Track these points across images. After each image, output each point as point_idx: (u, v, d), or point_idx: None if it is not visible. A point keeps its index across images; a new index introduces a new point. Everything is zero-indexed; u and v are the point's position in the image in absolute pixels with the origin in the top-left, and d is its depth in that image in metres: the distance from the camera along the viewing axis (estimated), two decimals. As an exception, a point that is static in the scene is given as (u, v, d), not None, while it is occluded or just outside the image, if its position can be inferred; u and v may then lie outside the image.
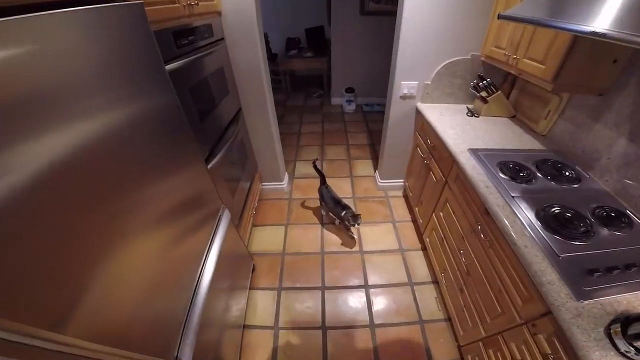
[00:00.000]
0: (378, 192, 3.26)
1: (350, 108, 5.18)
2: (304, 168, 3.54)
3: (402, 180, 3.14)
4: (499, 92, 2.32)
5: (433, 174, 2.31)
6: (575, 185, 1.61)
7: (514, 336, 1.37)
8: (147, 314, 0.98)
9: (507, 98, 2.42)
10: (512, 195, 1.51)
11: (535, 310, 1.21)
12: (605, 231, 1.32)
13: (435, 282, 2.42)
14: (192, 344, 1.16)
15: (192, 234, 1.35)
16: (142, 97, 1.02)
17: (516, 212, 1.42)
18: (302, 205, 3.12)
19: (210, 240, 1.55)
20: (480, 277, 1.65)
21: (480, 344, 1.68)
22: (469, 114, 2.43)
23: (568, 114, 1.91)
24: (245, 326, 2.09)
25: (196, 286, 1.35)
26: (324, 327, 2.13)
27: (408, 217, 2.97)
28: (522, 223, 1.37)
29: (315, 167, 2.76)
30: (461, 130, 2.17)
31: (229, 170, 2.09)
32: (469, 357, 1.83)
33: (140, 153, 0.99)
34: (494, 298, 1.54)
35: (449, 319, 2.21)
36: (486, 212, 1.55)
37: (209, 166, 1.69)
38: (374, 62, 5.02)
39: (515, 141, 2.04)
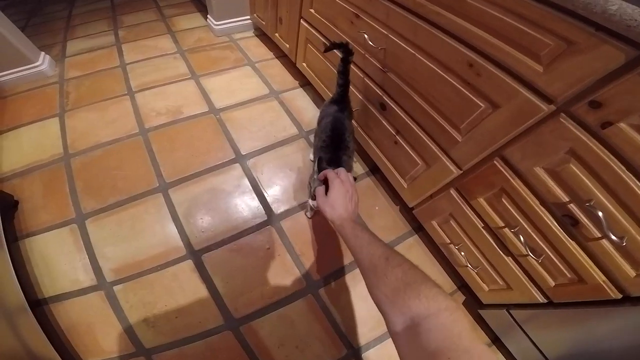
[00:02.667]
0: (218, 39, 2.26)
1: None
2: (82, 43, 2.23)
3: (248, 17, 2.30)
4: None
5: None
6: None
7: (540, 147, 0.67)
8: None
9: None
10: None
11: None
12: None
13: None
14: None
15: None
16: None
17: None
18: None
19: None
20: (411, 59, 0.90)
21: (454, 192, 0.95)
22: None
23: None
24: (45, 301, 1.14)
25: None
26: (192, 253, 1.24)
27: (270, 55, 2.12)
28: None
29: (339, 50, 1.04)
30: None
31: None
32: (435, 224, 1.12)
33: None
34: (457, 85, 0.79)
35: (375, 170, 1.48)
36: None
37: None
38: None
39: None
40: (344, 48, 0.97)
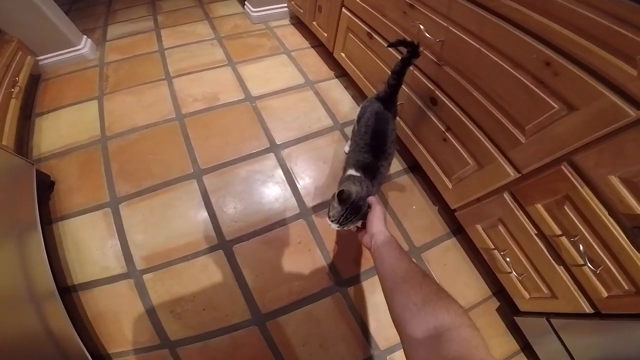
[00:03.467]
0: (255, 27, 2.23)
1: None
2: (122, 28, 2.26)
3: (284, 5, 2.27)
4: None
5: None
6: None
7: (619, 155, 0.62)
8: None
9: None
10: None
11: None
12: None
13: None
14: None
15: None
16: None
17: None
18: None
19: None
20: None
21: (507, 196, 0.90)
22: None
23: None
24: (75, 287, 1.14)
25: None
26: (223, 244, 1.22)
27: (306, 44, 2.08)
28: None
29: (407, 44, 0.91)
30: None
31: None
32: (480, 228, 1.07)
33: None
34: (528, 83, 0.74)
35: (414, 168, 1.44)
36: None
37: None
38: None
39: None
40: (412, 48, 0.87)
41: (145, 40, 2.05)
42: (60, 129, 1.54)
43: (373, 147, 0.95)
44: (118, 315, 1.07)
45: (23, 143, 1.45)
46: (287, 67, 1.87)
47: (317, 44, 2.00)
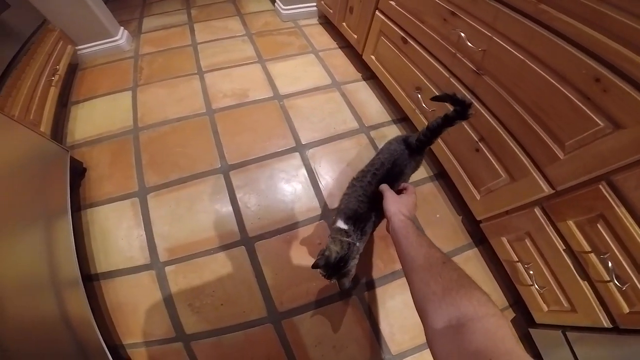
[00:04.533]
0: (284, 24, 2.25)
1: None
2: (157, 20, 2.30)
3: (314, 4, 2.27)
4: None
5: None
6: None
7: None
8: None
9: None
10: None
11: None
12: None
13: (403, 119, 1.61)
14: None
15: None
16: None
17: None
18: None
19: None
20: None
21: (538, 211, 0.89)
22: None
23: None
24: (97, 276, 1.15)
25: None
26: (246, 240, 1.23)
27: (333, 44, 2.08)
28: None
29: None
30: None
31: None
32: (505, 240, 1.06)
33: None
34: (573, 99, 0.72)
35: (440, 175, 1.44)
36: None
37: None
38: None
39: None
40: (462, 106, 0.76)
41: (178, 34, 2.08)
42: (95, 117, 1.58)
43: (371, 198, 0.88)
44: (137, 306, 1.09)
45: (58, 130, 1.49)
46: (315, 67, 1.88)
47: (345, 45, 2.00)
